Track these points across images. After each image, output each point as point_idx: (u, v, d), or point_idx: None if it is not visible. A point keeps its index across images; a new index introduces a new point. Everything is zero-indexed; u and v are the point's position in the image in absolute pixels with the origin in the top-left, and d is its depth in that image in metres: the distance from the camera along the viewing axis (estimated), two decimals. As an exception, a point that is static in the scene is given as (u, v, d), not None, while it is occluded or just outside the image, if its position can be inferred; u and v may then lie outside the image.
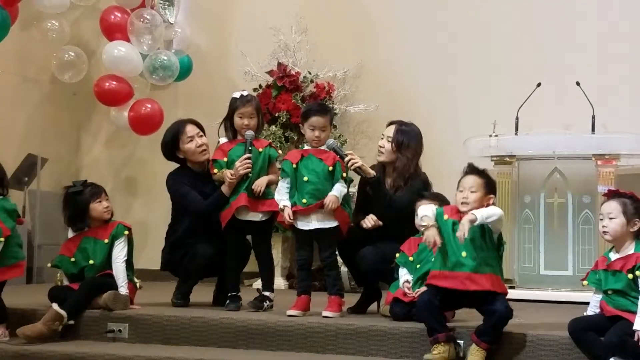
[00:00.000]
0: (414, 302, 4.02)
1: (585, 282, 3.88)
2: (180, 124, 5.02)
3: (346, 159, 4.45)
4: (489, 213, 3.79)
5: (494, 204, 3.92)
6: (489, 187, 3.96)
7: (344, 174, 4.46)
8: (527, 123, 6.15)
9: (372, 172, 4.55)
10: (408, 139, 4.66)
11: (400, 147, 4.64)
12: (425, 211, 3.94)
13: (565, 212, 6.04)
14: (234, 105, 4.74)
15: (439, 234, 3.85)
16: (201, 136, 4.98)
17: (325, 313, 4.34)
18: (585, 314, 3.87)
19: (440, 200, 4.29)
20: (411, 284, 4.21)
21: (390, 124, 4.77)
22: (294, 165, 4.48)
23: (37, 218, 7.04)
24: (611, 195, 3.84)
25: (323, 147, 4.52)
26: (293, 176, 4.47)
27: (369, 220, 4.59)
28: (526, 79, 6.33)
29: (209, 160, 4.89)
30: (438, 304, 3.84)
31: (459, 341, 3.85)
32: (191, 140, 4.93)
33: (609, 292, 3.73)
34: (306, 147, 4.58)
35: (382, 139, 4.73)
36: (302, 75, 6.96)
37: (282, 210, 4.44)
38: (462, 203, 3.90)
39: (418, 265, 4.23)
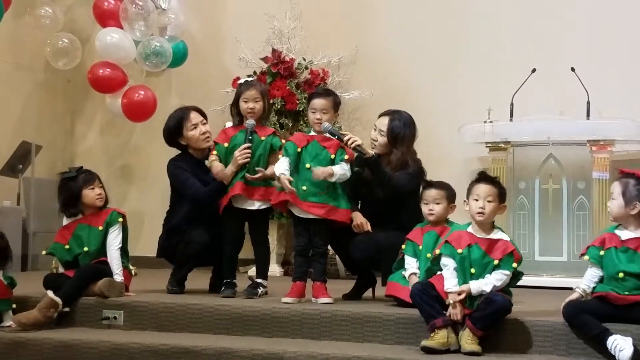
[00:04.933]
0: None
1: (586, 257, 3.81)
2: (184, 110, 5.01)
3: (345, 138, 4.43)
4: (483, 288, 3.79)
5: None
6: (502, 196, 3.95)
7: (346, 156, 4.44)
8: (522, 109, 6.14)
9: (371, 152, 4.53)
10: (403, 132, 4.61)
11: (395, 141, 4.61)
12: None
13: (560, 198, 6.05)
14: (239, 90, 4.75)
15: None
16: (205, 124, 4.98)
17: (322, 300, 4.35)
18: (577, 287, 3.81)
19: (447, 189, 4.28)
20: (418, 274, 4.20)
21: (382, 115, 4.72)
22: (299, 150, 4.47)
23: (31, 205, 7.02)
24: (621, 175, 3.80)
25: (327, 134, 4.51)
26: (294, 159, 4.46)
27: (360, 227, 4.54)
28: (521, 64, 6.32)
29: (210, 147, 4.88)
30: (435, 293, 3.84)
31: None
32: (195, 128, 4.92)
33: (620, 274, 3.67)
34: (312, 133, 4.57)
35: (375, 130, 4.68)
36: (296, 61, 6.94)
37: (279, 178, 4.38)
38: (479, 213, 3.86)
39: (428, 255, 4.16)
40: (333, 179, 4.40)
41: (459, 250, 3.86)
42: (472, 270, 3.83)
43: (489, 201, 3.87)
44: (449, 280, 3.86)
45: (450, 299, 3.79)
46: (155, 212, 5.34)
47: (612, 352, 3.54)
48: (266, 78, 6.84)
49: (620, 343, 3.52)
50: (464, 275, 3.84)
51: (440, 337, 3.72)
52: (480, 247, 3.85)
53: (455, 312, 3.77)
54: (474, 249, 3.85)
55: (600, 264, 3.77)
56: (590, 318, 3.65)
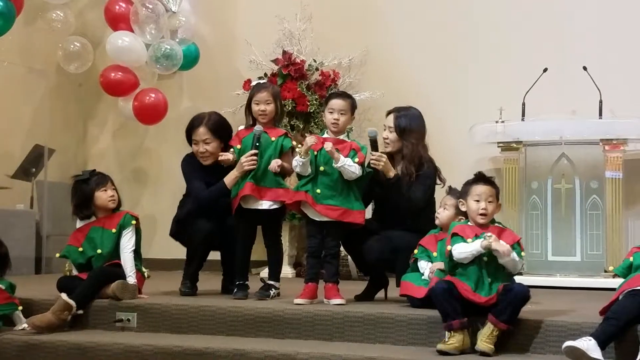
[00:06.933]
0: None
1: (614, 273, 3.96)
2: (196, 121, 4.97)
3: (375, 154, 4.44)
4: (510, 262, 3.79)
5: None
6: (498, 195, 3.96)
7: (356, 159, 4.40)
8: (534, 109, 6.13)
9: (394, 171, 4.53)
10: (409, 124, 4.62)
11: (403, 134, 4.61)
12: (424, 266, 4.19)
13: (573, 198, 6.03)
14: (252, 92, 4.76)
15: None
16: (208, 143, 4.90)
17: (335, 301, 4.35)
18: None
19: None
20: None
21: (388, 113, 4.73)
22: (315, 153, 4.46)
23: (44, 209, 7.06)
24: None
25: (342, 137, 4.50)
26: (313, 162, 4.45)
27: (378, 160, 4.51)
28: (532, 64, 6.31)
29: (216, 162, 4.83)
30: (457, 295, 3.77)
31: None
32: (196, 144, 4.93)
33: None
34: (326, 135, 4.56)
35: (385, 130, 4.70)
36: (307, 63, 6.94)
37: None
38: (482, 215, 3.85)
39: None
40: (337, 165, 4.37)
41: (469, 241, 3.82)
42: (485, 259, 3.79)
43: (489, 202, 3.87)
44: (471, 245, 3.80)
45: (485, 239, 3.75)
46: (168, 214, 5.34)
47: None
48: (277, 80, 6.85)
49: None
50: (480, 264, 3.79)
51: (456, 341, 3.69)
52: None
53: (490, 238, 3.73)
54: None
55: (627, 273, 3.81)
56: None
